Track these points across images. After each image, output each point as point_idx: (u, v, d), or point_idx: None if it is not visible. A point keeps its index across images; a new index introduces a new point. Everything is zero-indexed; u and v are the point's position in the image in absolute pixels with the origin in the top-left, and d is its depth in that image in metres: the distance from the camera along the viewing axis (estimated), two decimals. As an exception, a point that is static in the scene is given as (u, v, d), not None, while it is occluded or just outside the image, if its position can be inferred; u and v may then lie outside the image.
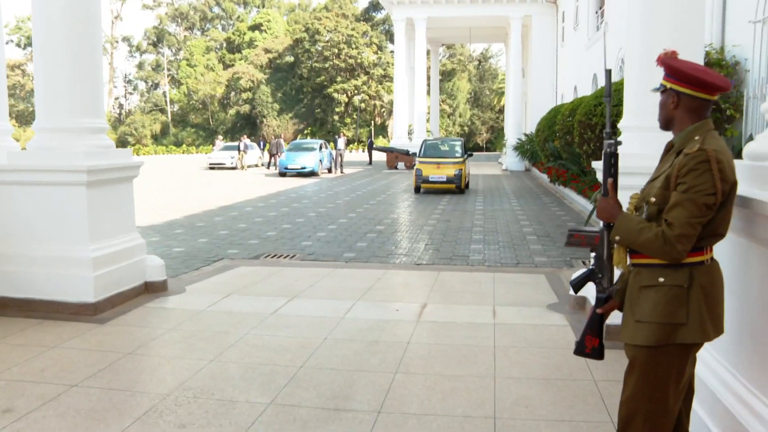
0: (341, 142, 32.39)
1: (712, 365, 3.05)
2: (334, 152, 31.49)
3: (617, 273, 2.77)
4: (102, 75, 6.42)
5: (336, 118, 68.91)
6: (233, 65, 71.24)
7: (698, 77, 2.50)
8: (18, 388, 4.32)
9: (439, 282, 7.59)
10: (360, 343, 5.29)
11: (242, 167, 34.41)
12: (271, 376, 4.54)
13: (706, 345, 3.13)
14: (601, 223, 2.70)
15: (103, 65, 6.43)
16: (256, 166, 36.51)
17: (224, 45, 75.66)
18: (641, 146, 4.99)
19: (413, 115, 33.39)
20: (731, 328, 2.87)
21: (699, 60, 5.57)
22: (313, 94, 69.87)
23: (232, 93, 71.23)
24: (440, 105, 57.65)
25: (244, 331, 5.57)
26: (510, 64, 35.56)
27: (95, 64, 6.27)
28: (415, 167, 19.47)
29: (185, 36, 76.13)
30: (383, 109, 67.41)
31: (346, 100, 68.13)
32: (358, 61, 66.96)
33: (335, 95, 67.80)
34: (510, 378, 4.48)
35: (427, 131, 35.38)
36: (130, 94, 77.65)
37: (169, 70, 74.05)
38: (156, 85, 75.54)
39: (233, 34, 75.30)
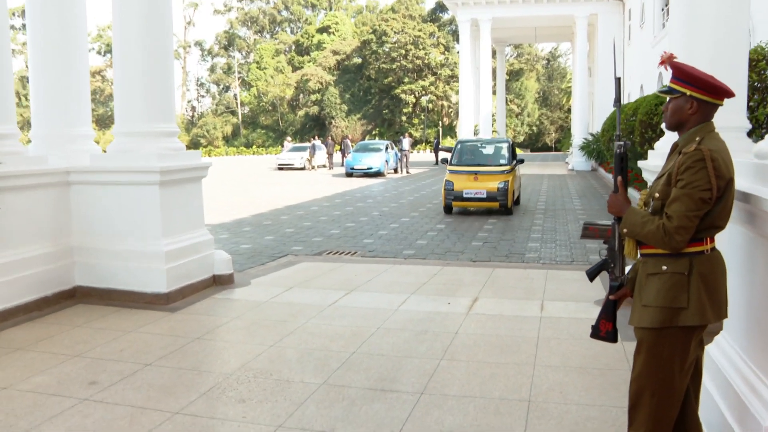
0: (406, 142, 32.76)
1: (725, 348, 3.21)
2: (400, 153, 31.89)
3: (630, 264, 2.99)
4: (173, 83, 6.96)
5: (404, 118, 69.33)
6: (302, 67, 72.65)
7: (715, 84, 2.70)
8: (100, 365, 4.84)
9: (493, 278, 7.81)
10: (410, 332, 5.59)
11: (311, 168, 35.24)
12: (324, 360, 4.91)
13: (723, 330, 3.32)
14: (614, 217, 2.93)
15: (174, 73, 6.96)
16: (324, 166, 37.30)
17: (293, 47, 77.29)
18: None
19: (479, 115, 33.44)
20: (741, 313, 3.03)
21: (744, 55, 5.63)
22: (381, 95, 70.49)
23: (301, 95, 72.64)
24: (508, 105, 57.28)
25: (302, 321, 5.97)
26: (576, 64, 35.12)
27: (167, 74, 6.81)
28: (445, 179, 14.53)
29: (255, 39, 78.17)
30: (451, 110, 67.38)
31: (414, 100, 68.42)
32: (426, 61, 67.21)
33: (403, 96, 68.22)
34: (548, 366, 4.69)
35: (493, 131, 35.31)
36: (202, 96, 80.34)
37: (239, 73, 76.20)
38: (227, 88, 77.87)
39: (302, 36, 76.83)
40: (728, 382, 3.03)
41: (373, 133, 69.51)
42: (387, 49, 68.22)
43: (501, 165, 14.60)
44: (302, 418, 3.87)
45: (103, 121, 63.48)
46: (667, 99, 2.86)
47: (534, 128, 70.74)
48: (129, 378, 4.56)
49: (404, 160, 31.67)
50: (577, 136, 31.42)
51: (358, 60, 71.49)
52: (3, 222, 5.99)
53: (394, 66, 67.78)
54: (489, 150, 15.77)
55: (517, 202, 15.74)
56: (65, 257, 6.71)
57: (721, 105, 2.76)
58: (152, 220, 6.53)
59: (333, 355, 5.00)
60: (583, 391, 4.23)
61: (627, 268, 3.01)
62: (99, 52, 70.12)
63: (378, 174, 28.90)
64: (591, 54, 35.24)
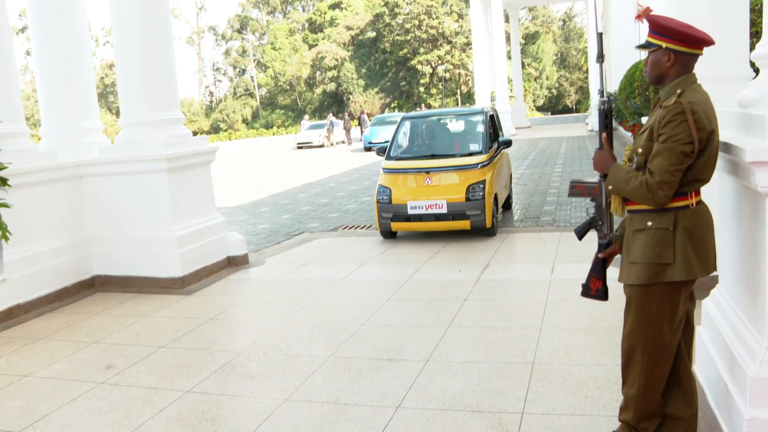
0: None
1: (719, 301, 3.20)
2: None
3: (618, 221, 2.98)
4: (175, 70, 7.01)
5: (421, 89, 68.85)
6: (317, 45, 72.33)
7: (691, 34, 2.64)
8: (117, 349, 4.98)
9: (506, 243, 7.82)
10: (419, 302, 5.65)
11: (330, 144, 35.28)
12: (334, 333, 4.99)
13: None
14: (599, 175, 2.92)
15: (175, 61, 7.01)
16: (343, 142, 37.29)
17: (306, 26, 76.89)
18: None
19: (495, 81, 33.07)
20: (732, 265, 3.02)
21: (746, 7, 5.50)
22: (397, 67, 69.97)
23: (318, 72, 72.41)
24: (526, 69, 56.39)
25: (314, 296, 6.05)
26: (590, 23, 34.43)
27: (168, 62, 6.87)
28: (378, 183, 8.64)
29: (267, 20, 77.90)
30: (468, 78, 66.64)
31: (431, 71, 67.84)
32: (440, 30, 66.45)
33: (419, 67, 67.65)
34: (554, 328, 4.71)
35: (510, 96, 34.92)
36: (219, 81, 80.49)
37: (254, 55, 76.15)
38: (243, 71, 77.91)
39: (314, 14, 76.34)
40: (721, 335, 3.03)
41: (392, 105, 69.13)
42: (400, 21, 67.54)
43: (472, 154, 8.50)
44: (308, 390, 3.96)
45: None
46: (647, 54, 2.83)
47: (553, 91, 69.75)
48: (143, 360, 4.69)
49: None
50: (595, 97, 30.97)
51: (372, 34, 70.92)
52: (19, 218, 6.13)
53: (408, 37, 67.15)
54: (453, 128, 9.68)
55: (507, 206, 10.14)
56: (82, 248, 6.86)
57: (701, 54, 2.71)
58: (162, 207, 6.64)
59: (342, 328, 5.08)
60: (588, 351, 4.25)
61: (616, 225, 3.01)
62: (114, 45, 70.54)
63: (396, 147, 28.78)
64: (605, 13, 34.51)
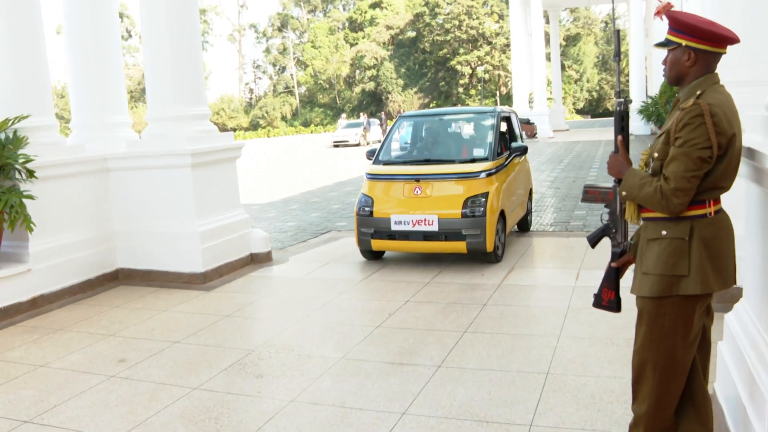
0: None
1: (742, 316, 3.03)
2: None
3: (634, 228, 2.84)
4: (202, 66, 7.05)
5: (460, 90, 68.47)
6: (356, 44, 72.50)
7: (713, 32, 2.49)
8: (131, 343, 5.00)
9: (533, 247, 7.66)
10: (438, 305, 5.55)
11: (366, 143, 35.31)
12: (348, 334, 4.92)
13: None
14: (614, 180, 2.79)
15: (202, 57, 7.04)
16: (378, 141, 37.26)
17: (346, 25, 77.12)
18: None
19: (533, 82, 32.67)
20: (756, 279, 2.86)
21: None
22: (437, 67, 69.73)
23: (357, 71, 72.58)
24: (566, 71, 55.56)
25: (333, 295, 6.00)
26: (631, 25, 33.77)
27: (196, 57, 6.90)
28: (360, 192, 7.38)
29: (308, 19, 78.35)
30: (507, 79, 65.98)
31: (470, 71, 67.41)
32: (480, 31, 65.97)
33: (458, 67, 67.29)
34: (573, 337, 4.57)
35: (548, 98, 34.46)
36: (259, 78, 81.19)
37: (294, 53, 76.66)
38: (283, 69, 78.49)
39: (354, 12, 76.52)
40: (741, 353, 2.87)
41: (431, 106, 68.87)
42: (440, 21, 67.29)
43: (475, 161, 7.12)
44: (315, 392, 3.90)
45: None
46: (666, 52, 2.69)
47: (594, 94, 68.63)
48: (156, 355, 4.69)
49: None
50: (636, 100, 30.35)
51: (411, 33, 70.79)
52: (46, 209, 6.22)
53: (448, 37, 66.84)
54: (457, 130, 8.42)
55: (523, 227, 8.51)
56: (107, 241, 6.93)
57: (724, 53, 2.55)
58: (186, 202, 6.67)
59: (357, 330, 5.01)
60: (605, 363, 4.10)
61: (632, 233, 2.87)
62: (142, 40, 71.71)
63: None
64: (648, 14, 33.84)
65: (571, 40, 67.18)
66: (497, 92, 66.28)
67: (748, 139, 2.67)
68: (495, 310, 5.33)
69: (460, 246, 6.60)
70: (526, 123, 30.83)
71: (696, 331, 2.61)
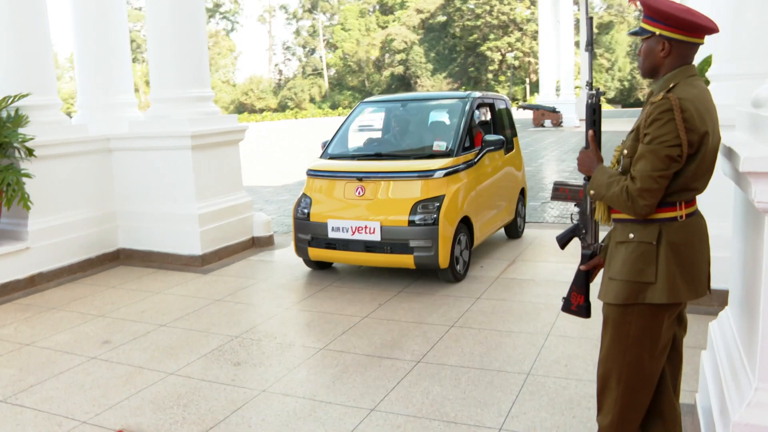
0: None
1: (724, 326, 2.89)
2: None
3: (607, 229, 2.71)
4: (206, 47, 6.98)
5: (489, 76, 67.71)
6: (386, 27, 72.04)
7: (689, 20, 2.31)
8: (119, 325, 4.99)
9: (539, 239, 7.50)
10: (431, 297, 5.45)
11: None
12: (333, 324, 4.86)
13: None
14: (584, 177, 2.65)
15: (206, 38, 6.97)
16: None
17: (377, 8, 76.61)
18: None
19: (560, 70, 32.13)
20: (735, 284, 2.72)
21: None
22: (466, 52, 68.98)
23: (386, 55, 72.18)
24: (597, 59, 54.53)
25: (327, 283, 5.94)
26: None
27: (198, 39, 6.83)
28: (302, 191, 6.28)
29: (339, 1, 77.97)
30: (537, 66, 65.14)
31: (500, 57, 66.62)
32: (511, 17, 65.04)
33: (488, 53, 66.48)
34: (563, 336, 4.45)
35: (576, 87, 33.89)
36: (288, 60, 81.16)
37: (324, 35, 76.45)
38: (313, 51, 78.35)
39: (386, -4, 75.94)
40: (717, 365, 2.73)
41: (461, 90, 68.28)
42: (471, 6, 66.46)
43: (433, 157, 5.92)
44: (288, 383, 3.84)
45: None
46: (640, 42, 2.53)
47: (625, 83, 67.31)
48: (140, 338, 4.68)
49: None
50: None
51: (442, 18, 70.07)
52: (47, 188, 6.25)
53: (479, 23, 66.03)
54: (423, 119, 6.88)
55: (512, 234, 7.48)
56: (109, 221, 6.95)
57: (701, 43, 2.38)
58: (186, 184, 6.64)
59: (344, 320, 4.94)
60: (590, 366, 3.96)
61: (604, 234, 2.75)
62: (146, 21, 72.02)
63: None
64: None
65: (604, 28, 65.81)
66: (527, 79, 65.47)
67: (731, 137, 2.52)
68: (487, 304, 5.22)
69: (406, 260, 5.53)
70: (552, 111, 30.41)
71: (664, 341, 2.47)
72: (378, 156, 6.21)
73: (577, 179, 2.79)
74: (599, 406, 2.63)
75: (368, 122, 7.60)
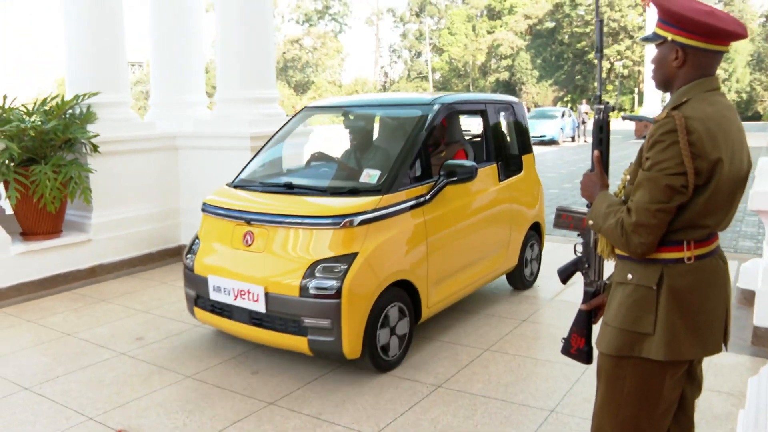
0: (584, 106, 30.93)
1: (764, 377, 2.53)
2: (577, 119, 30.19)
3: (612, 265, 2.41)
4: (273, 49, 7.01)
5: (597, 85, 65.53)
6: (493, 32, 71.22)
7: (707, 24, 1.93)
8: (157, 322, 5.07)
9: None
10: (474, 315, 5.19)
11: (584, 141, 34.27)
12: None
13: None
14: (587, 204, 2.33)
15: (273, 40, 7.00)
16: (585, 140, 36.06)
17: (484, 12, 75.88)
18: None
19: (668, 81, 30.42)
20: None
21: None
22: (574, 60, 67.06)
23: (492, 60, 71.37)
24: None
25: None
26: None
27: (264, 41, 6.86)
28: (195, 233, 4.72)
29: (446, 5, 77.79)
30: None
31: (609, 66, 64.31)
32: (622, 24, 62.61)
33: (596, 61, 64.36)
34: (601, 371, 4.09)
35: (687, 99, 31.98)
36: (395, 63, 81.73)
37: (430, 39, 76.48)
38: (419, 54, 78.57)
39: (493, 0, 75.10)
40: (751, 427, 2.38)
41: (565, 99, 66.45)
42: (581, 12, 64.49)
43: (357, 192, 4.10)
44: (298, 398, 3.73)
45: (301, 87, 67.13)
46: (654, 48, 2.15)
47: (743, 95, 63.15)
48: (172, 338, 4.72)
49: (582, 127, 29.94)
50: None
51: (550, 24, 68.49)
52: (112, 183, 6.48)
53: (588, 30, 63.97)
54: (366, 132, 5.15)
55: (516, 283, 5.86)
56: (172, 217, 7.12)
57: (725, 51, 2.01)
58: (243, 185, 6.68)
59: (376, 334, 4.78)
60: (623, 406, 3.62)
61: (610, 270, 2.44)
62: (297, 22, 73.96)
63: (552, 142, 27.86)
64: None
65: (724, 35, 62.01)
66: (635, 89, 62.83)
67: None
68: (531, 328, 4.92)
69: (299, 343, 3.83)
70: (649, 122, 28.88)
71: (667, 403, 2.12)
72: (288, 188, 4.38)
73: (583, 205, 2.49)
74: None
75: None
